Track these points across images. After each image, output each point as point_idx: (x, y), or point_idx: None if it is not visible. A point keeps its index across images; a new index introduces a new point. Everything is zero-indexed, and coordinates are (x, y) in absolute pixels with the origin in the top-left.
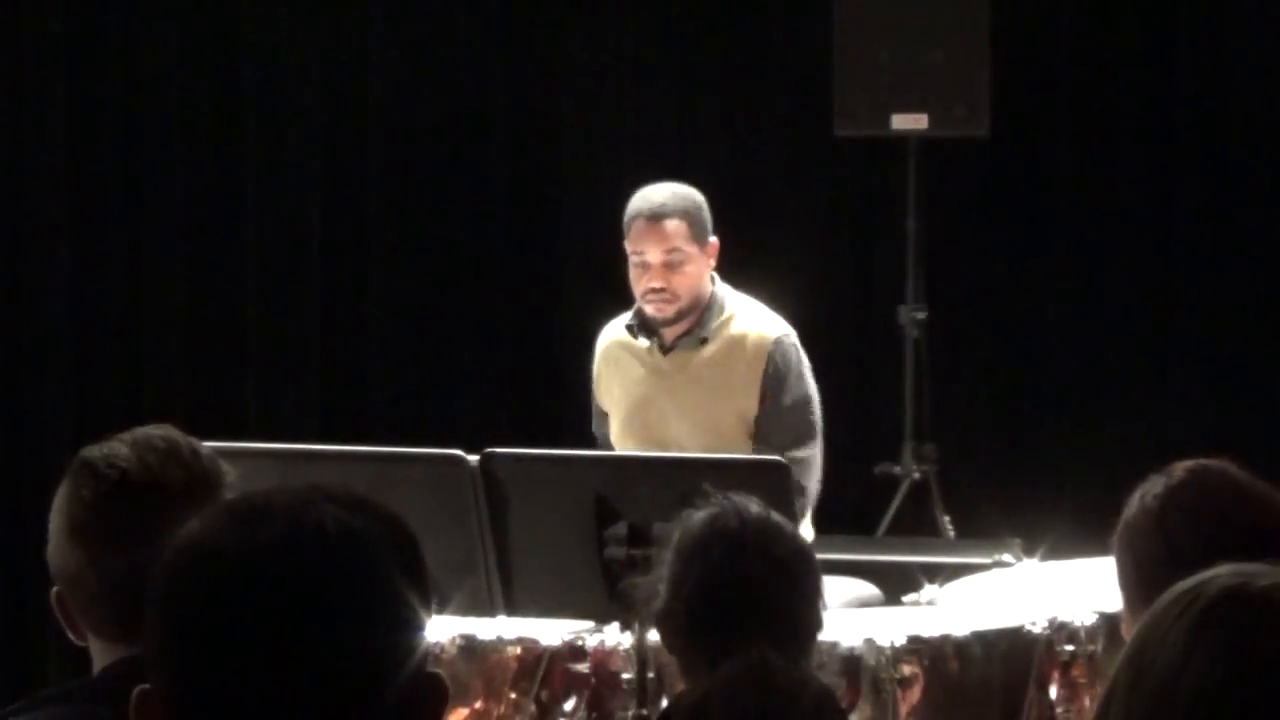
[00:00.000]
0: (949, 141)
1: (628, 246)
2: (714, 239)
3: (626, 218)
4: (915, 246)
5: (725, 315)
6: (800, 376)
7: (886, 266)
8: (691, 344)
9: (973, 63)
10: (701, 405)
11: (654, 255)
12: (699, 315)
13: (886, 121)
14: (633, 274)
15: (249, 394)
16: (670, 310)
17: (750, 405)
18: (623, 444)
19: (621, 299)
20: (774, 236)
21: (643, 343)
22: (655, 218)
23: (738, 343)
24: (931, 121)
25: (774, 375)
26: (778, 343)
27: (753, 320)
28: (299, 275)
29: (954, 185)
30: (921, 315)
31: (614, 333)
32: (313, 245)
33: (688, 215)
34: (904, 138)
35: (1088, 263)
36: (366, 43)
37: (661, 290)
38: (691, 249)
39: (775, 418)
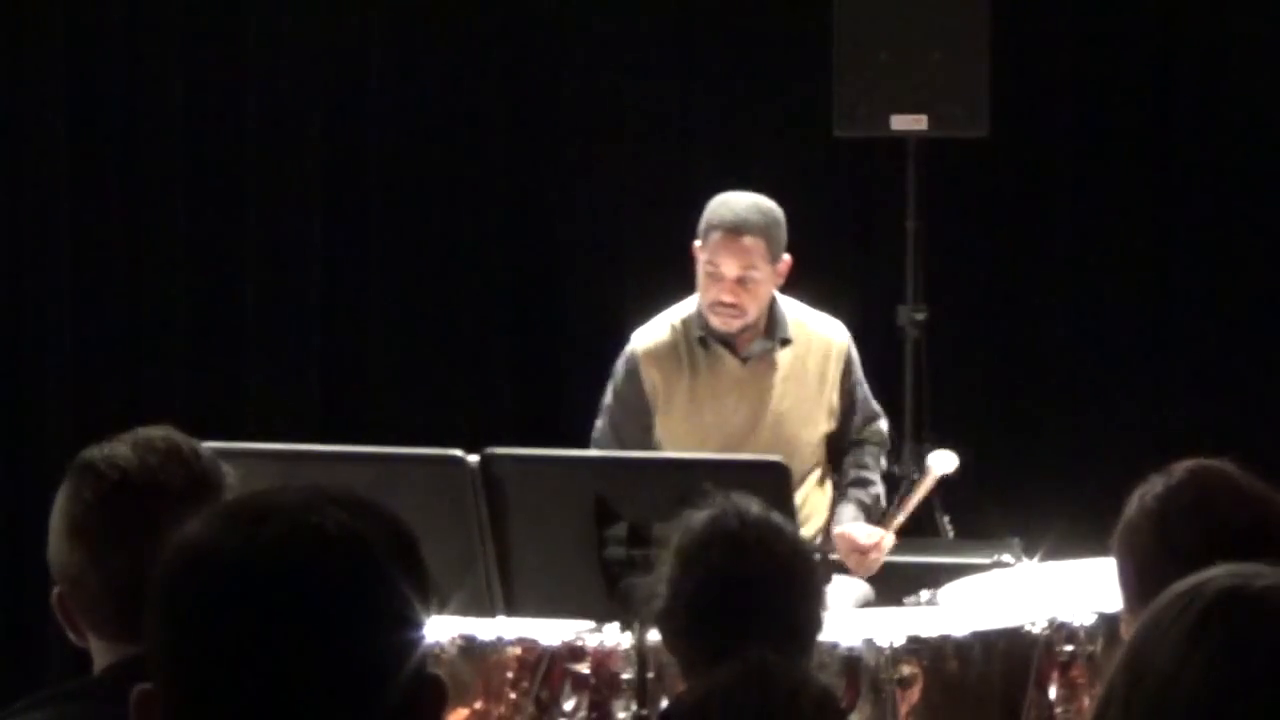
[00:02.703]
0: (949, 142)
1: (701, 254)
2: (787, 256)
3: (704, 225)
4: (915, 246)
5: (795, 319)
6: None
7: (886, 266)
8: (769, 347)
9: (973, 63)
10: (793, 406)
11: (729, 269)
12: (766, 323)
13: (886, 122)
14: (702, 282)
15: (249, 394)
16: (736, 325)
17: (830, 406)
18: (687, 447)
19: (621, 298)
20: None
21: (711, 352)
22: (735, 232)
23: (818, 348)
24: (931, 122)
25: (850, 373)
26: (849, 345)
27: (820, 323)
28: (299, 275)
29: (954, 185)
30: (921, 315)
31: (659, 337)
32: (313, 245)
33: (766, 233)
34: (904, 138)
35: (1088, 263)
36: (367, 42)
37: (732, 305)
38: (766, 268)
39: (858, 405)
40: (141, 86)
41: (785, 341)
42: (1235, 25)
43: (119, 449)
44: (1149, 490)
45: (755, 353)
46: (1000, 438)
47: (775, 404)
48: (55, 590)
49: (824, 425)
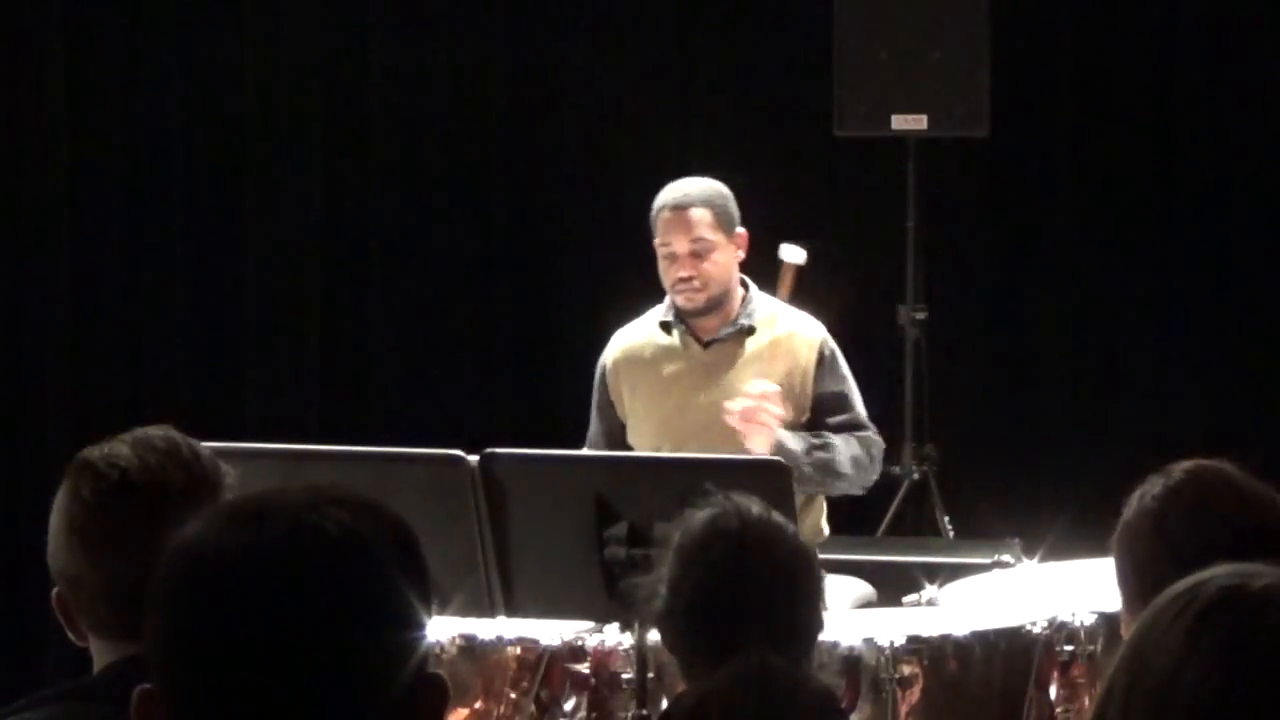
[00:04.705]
0: (949, 141)
1: (656, 242)
2: (742, 230)
3: (653, 212)
4: (915, 246)
5: (769, 312)
6: (846, 368)
7: (886, 266)
8: (735, 334)
9: (973, 63)
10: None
11: (680, 245)
12: (733, 307)
13: (886, 121)
14: (662, 266)
15: (249, 394)
16: (701, 299)
17: (803, 402)
18: (657, 443)
19: (620, 300)
20: (774, 236)
21: (677, 339)
22: (679, 208)
23: (787, 339)
24: (931, 121)
25: (826, 372)
26: (824, 341)
27: (796, 320)
28: (299, 275)
29: (954, 185)
30: (921, 315)
31: (633, 337)
32: (313, 245)
33: (711, 204)
34: (904, 138)
35: (1088, 263)
36: (367, 42)
37: (690, 279)
38: (718, 237)
39: (844, 408)
40: (141, 85)
41: (750, 330)
42: (1235, 25)
43: (119, 449)
44: (1148, 490)
45: (719, 338)
46: (1000, 438)
47: (737, 392)
48: (55, 590)
49: (789, 418)
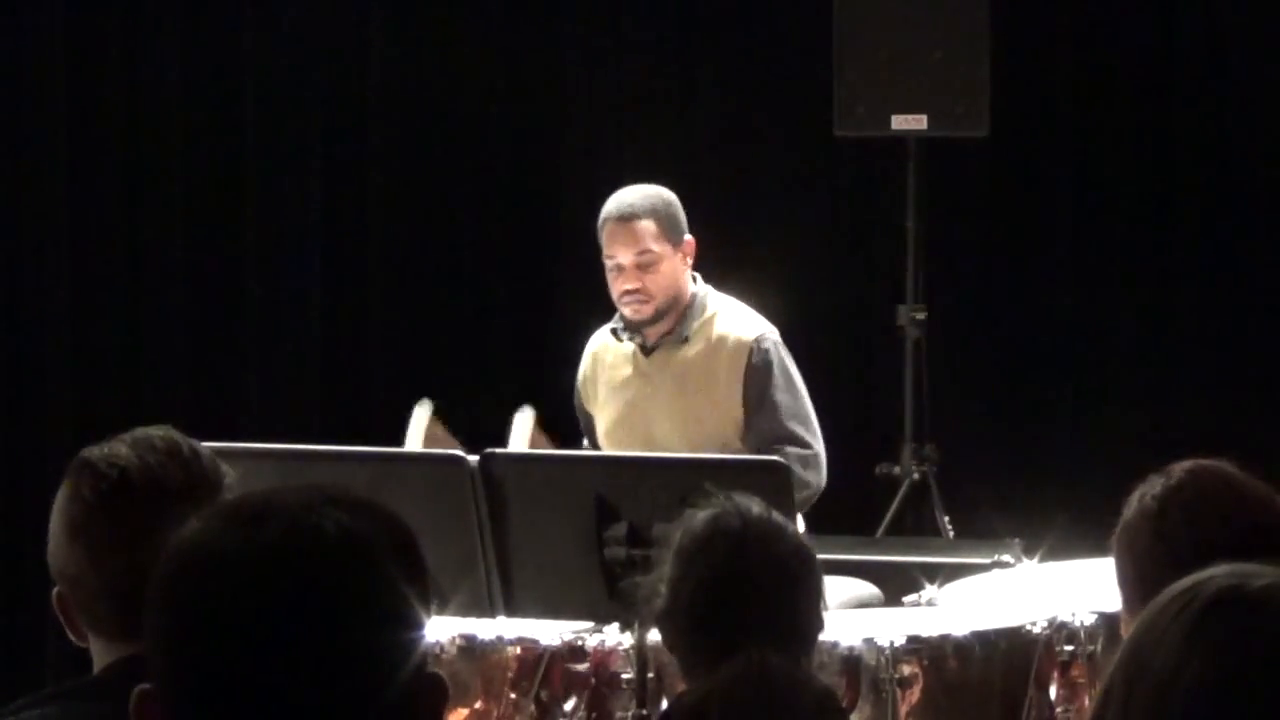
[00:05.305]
0: (949, 141)
1: (603, 254)
2: (689, 237)
3: (599, 224)
4: (915, 246)
5: (706, 316)
6: (785, 373)
7: (886, 266)
8: (673, 343)
9: (973, 63)
10: (684, 405)
11: (625, 257)
12: (680, 315)
13: (886, 121)
14: (609, 278)
15: (249, 394)
16: (647, 310)
17: (734, 405)
18: (610, 446)
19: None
20: (774, 236)
21: (627, 345)
22: (624, 219)
23: (718, 343)
24: (931, 121)
25: (756, 375)
26: (757, 341)
27: (733, 321)
28: (299, 275)
29: (954, 185)
30: (921, 315)
31: (600, 339)
32: (313, 245)
33: (656, 214)
34: (904, 138)
35: (1088, 263)
36: (367, 41)
37: (636, 291)
38: (663, 248)
39: (767, 415)
40: (141, 85)
41: (684, 339)
42: (1235, 25)
43: (119, 448)
44: (1148, 490)
45: (658, 346)
46: (1001, 437)
47: (680, 394)
48: (55, 590)
49: (736, 431)
